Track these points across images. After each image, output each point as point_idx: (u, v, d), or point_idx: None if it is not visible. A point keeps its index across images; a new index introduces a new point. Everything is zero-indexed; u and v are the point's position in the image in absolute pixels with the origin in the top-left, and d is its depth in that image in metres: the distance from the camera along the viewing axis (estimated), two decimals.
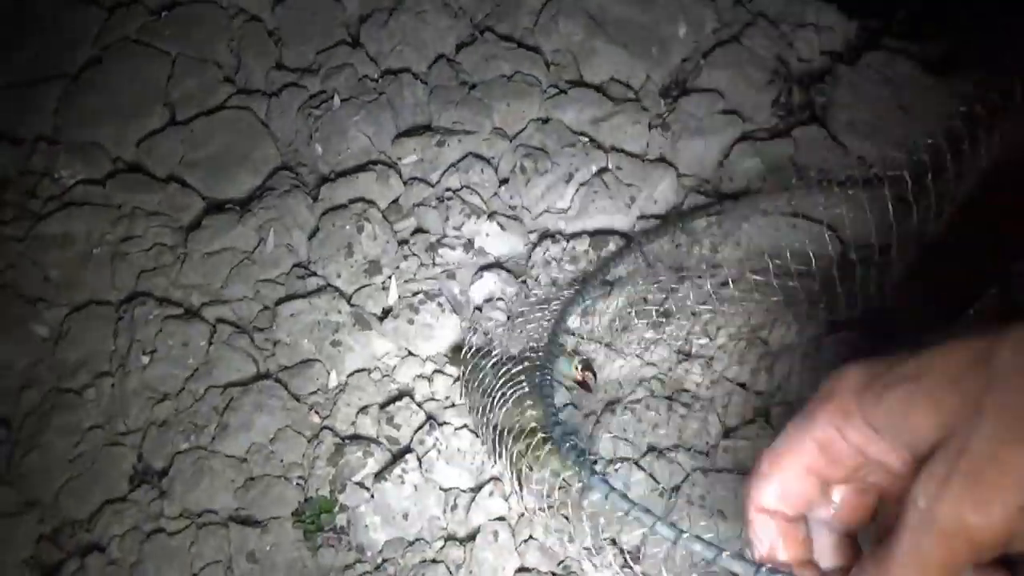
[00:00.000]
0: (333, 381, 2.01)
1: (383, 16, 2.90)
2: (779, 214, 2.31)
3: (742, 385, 1.96)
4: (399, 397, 1.94)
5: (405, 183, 2.41)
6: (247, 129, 2.64)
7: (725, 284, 2.16)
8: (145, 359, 2.03)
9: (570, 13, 2.80)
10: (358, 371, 2.01)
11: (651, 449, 1.80)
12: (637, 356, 2.03)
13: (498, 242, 2.24)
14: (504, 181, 2.42)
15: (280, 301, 2.12)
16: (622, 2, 2.84)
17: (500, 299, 2.11)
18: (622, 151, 2.46)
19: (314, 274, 2.17)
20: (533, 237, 2.30)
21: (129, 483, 1.90)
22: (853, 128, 2.60)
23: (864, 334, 2.02)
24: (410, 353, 2.05)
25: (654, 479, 1.73)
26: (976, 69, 2.80)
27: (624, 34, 2.79)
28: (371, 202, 2.28)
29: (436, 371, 2.00)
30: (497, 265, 2.18)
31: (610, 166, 2.40)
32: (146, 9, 3.01)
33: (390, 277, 2.13)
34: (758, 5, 3.01)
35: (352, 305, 2.09)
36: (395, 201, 2.37)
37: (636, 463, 1.77)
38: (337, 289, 2.12)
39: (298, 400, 1.96)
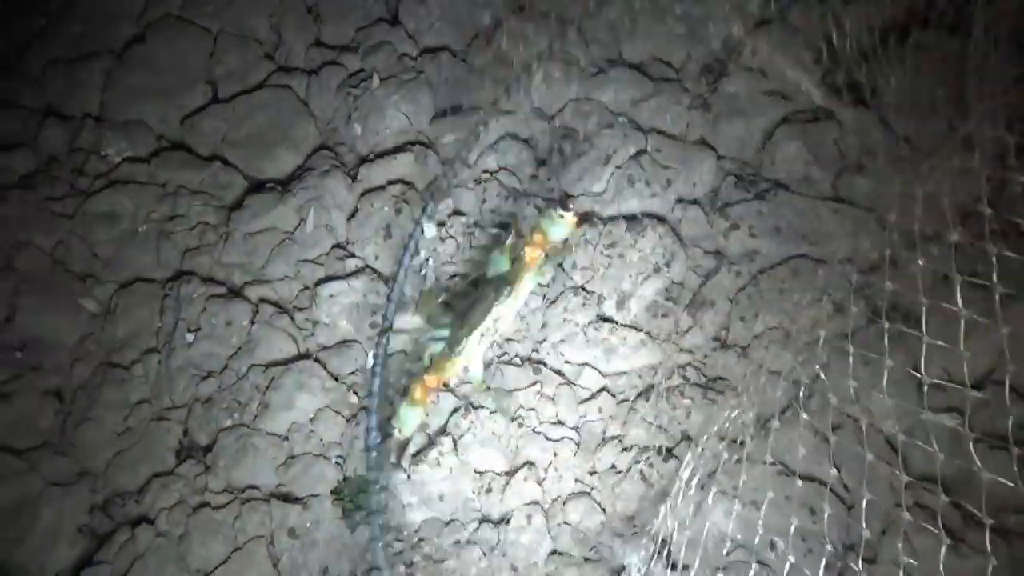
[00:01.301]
0: (371, 362, 2.04)
1: None
2: (821, 198, 2.28)
3: (778, 374, 1.95)
4: None
5: (443, 164, 2.42)
6: (287, 107, 2.66)
7: (764, 270, 2.15)
8: (190, 337, 2.08)
9: None
10: (396, 353, 2.05)
11: (685, 437, 1.80)
12: (673, 343, 2.03)
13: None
14: (542, 163, 2.42)
15: (320, 282, 2.15)
16: None
17: (538, 283, 2.12)
18: (661, 133, 2.43)
19: (353, 255, 2.19)
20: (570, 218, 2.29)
21: (176, 457, 1.97)
22: (901, 110, 2.53)
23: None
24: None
25: (687, 468, 1.74)
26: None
27: (665, 11, 2.74)
28: (409, 184, 2.29)
29: None
30: None
31: (648, 148, 2.37)
32: None
33: (428, 259, 2.15)
34: None
35: (390, 287, 2.12)
36: (433, 181, 2.38)
37: (670, 451, 1.78)
38: (375, 271, 2.15)
39: (337, 380, 2.00)
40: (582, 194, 2.32)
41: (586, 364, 1.97)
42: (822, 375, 1.91)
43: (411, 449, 1.87)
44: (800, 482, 1.69)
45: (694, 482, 1.72)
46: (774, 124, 2.45)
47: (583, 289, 2.08)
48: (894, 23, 2.90)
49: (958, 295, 2.00)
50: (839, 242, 2.17)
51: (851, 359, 1.89)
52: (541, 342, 2.04)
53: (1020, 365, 1.96)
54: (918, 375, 1.94)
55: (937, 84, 2.59)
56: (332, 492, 1.82)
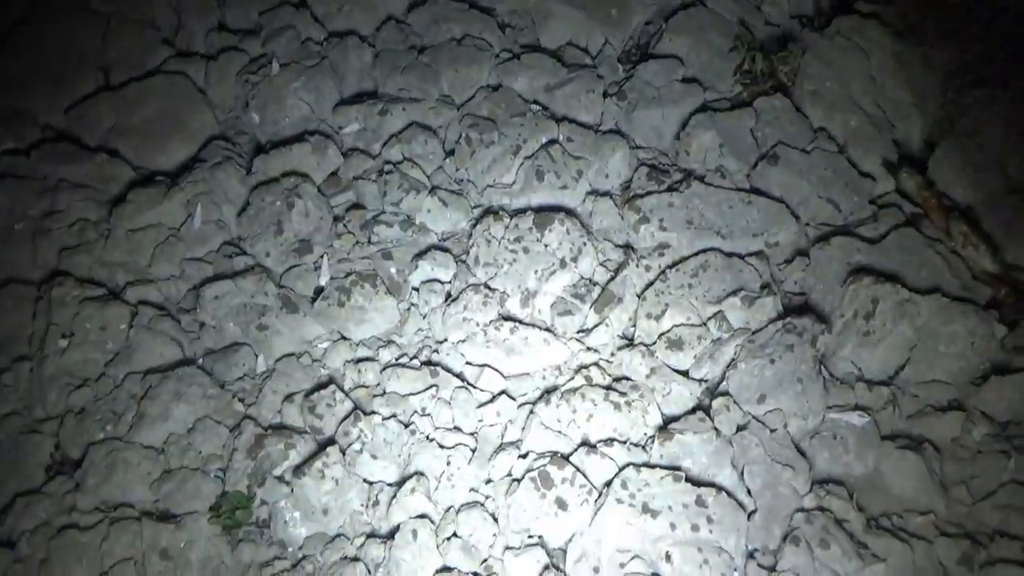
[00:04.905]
0: (261, 366, 1.92)
1: None
2: (735, 190, 2.20)
3: (684, 373, 1.87)
4: (327, 384, 1.86)
5: (345, 154, 2.29)
6: (183, 95, 2.49)
7: (674, 265, 2.07)
8: (63, 343, 1.93)
9: None
10: (286, 356, 1.93)
11: (584, 443, 1.72)
12: (578, 340, 1.94)
13: (439, 218, 2.14)
14: (449, 153, 2.31)
15: (206, 282, 2.01)
16: None
17: (438, 281, 2.02)
18: (574, 122, 2.33)
19: (243, 253, 2.06)
20: (476, 212, 2.19)
21: (45, 473, 1.82)
22: (818, 98, 2.46)
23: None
24: (342, 337, 1.96)
25: (584, 475, 1.65)
26: (949, 37, 2.67)
27: None
28: (305, 175, 2.16)
29: (367, 357, 1.91)
30: (436, 247, 2.07)
31: (560, 138, 2.27)
32: None
33: (322, 256, 2.02)
34: None
35: (281, 286, 1.99)
36: (334, 173, 2.25)
37: (567, 457, 1.69)
38: (266, 269, 2.02)
39: (222, 387, 1.88)
40: (490, 186, 2.22)
41: (486, 365, 1.88)
42: (728, 374, 1.85)
43: None
44: (700, 488, 1.62)
45: (591, 492, 1.64)
46: (689, 113, 2.37)
47: (486, 287, 1.98)
48: (817, 9, 2.85)
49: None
50: (752, 233, 2.10)
51: (758, 357, 1.83)
52: (441, 342, 1.94)
53: (928, 360, 1.92)
54: (825, 374, 1.90)
55: (855, 75, 2.54)
56: (210, 509, 1.70)
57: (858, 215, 2.19)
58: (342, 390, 1.83)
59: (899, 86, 2.52)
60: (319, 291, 1.98)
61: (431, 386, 1.83)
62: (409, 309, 2.00)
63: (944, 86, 2.65)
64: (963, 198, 2.37)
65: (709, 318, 1.91)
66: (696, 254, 2.04)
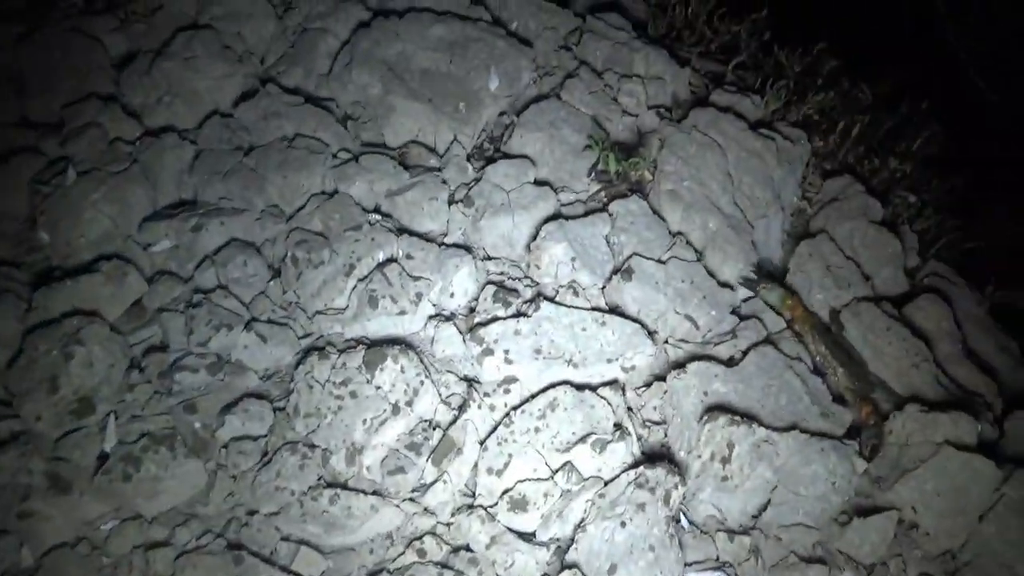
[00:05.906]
0: (26, 560, 1.60)
1: (147, 60, 2.45)
2: (588, 309, 2.04)
3: (530, 537, 1.67)
4: None
5: (151, 280, 2.00)
6: None
7: (520, 405, 1.88)
8: None
9: (366, 62, 2.43)
10: (58, 547, 1.61)
11: None
12: (413, 501, 1.71)
13: (259, 355, 1.87)
14: (276, 273, 2.05)
15: None
16: (427, 48, 2.49)
17: (250, 437, 1.75)
18: (416, 234, 2.13)
19: (11, 415, 1.73)
20: (305, 343, 1.94)
21: None
22: (676, 198, 2.34)
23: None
24: (137, 515, 1.67)
25: None
26: (804, 129, 2.62)
27: (429, 87, 2.44)
28: (92, 314, 1.86)
29: (159, 542, 1.62)
30: (250, 394, 1.81)
31: (398, 254, 2.06)
32: None
33: (109, 415, 1.72)
34: (583, 51, 2.74)
35: (56, 458, 1.68)
36: (137, 303, 1.96)
37: None
38: (35, 437, 1.70)
39: None
40: (320, 312, 1.98)
41: (303, 542, 1.62)
42: (577, 536, 1.66)
43: None
44: None
45: None
46: (542, 220, 2.20)
47: (305, 444, 1.73)
48: (674, 100, 2.76)
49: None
50: (605, 360, 1.94)
51: (608, 518, 1.65)
52: (252, 513, 1.67)
53: (789, 503, 1.79)
54: (685, 523, 1.74)
55: (713, 172, 2.44)
56: None
57: (716, 330, 2.06)
58: None
59: (756, 183, 2.44)
60: (104, 459, 1.68)
61: None
62: (216, 471, 1.72)
63: (801, 181, 2.60)
64: (824, 304, 2.31)
65: (557, 470, 1.71)
66: (545, 389, 1.85)
